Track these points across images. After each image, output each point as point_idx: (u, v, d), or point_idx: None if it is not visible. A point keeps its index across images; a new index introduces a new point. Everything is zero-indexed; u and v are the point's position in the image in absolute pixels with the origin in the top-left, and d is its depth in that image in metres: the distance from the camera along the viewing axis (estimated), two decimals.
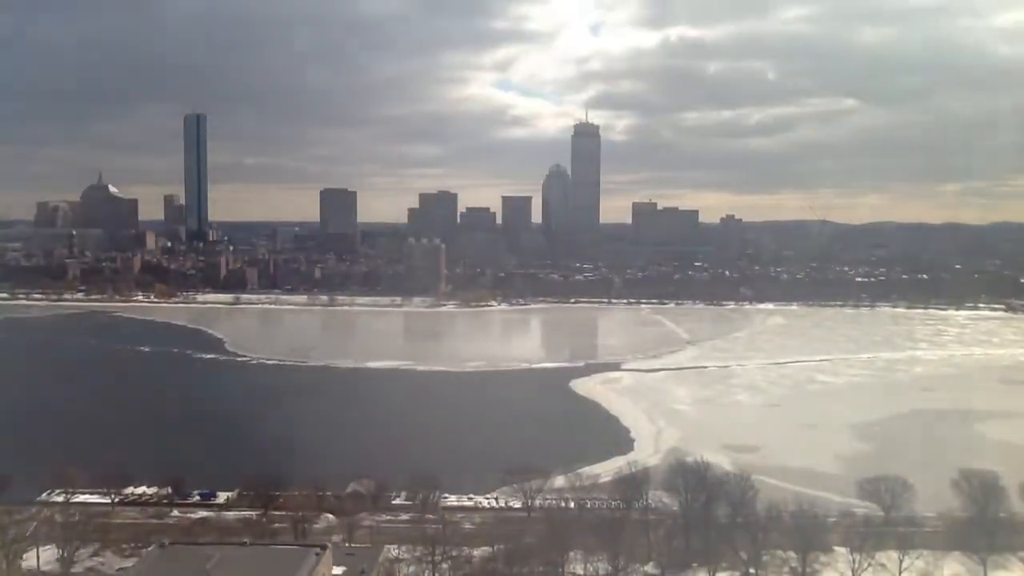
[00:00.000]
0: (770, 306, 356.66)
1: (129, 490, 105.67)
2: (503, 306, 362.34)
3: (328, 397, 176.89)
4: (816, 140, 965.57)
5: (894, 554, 79.11)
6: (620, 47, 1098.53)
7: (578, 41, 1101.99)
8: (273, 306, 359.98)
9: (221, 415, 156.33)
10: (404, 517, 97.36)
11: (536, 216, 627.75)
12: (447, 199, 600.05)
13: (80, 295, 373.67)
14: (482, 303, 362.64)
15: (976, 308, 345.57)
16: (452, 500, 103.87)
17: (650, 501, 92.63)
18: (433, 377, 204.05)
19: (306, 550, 70.01)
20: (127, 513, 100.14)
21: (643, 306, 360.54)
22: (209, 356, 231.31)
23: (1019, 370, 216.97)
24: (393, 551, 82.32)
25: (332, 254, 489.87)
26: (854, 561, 78.62)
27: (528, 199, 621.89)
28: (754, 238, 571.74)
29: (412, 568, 78.38)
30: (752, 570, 79.76)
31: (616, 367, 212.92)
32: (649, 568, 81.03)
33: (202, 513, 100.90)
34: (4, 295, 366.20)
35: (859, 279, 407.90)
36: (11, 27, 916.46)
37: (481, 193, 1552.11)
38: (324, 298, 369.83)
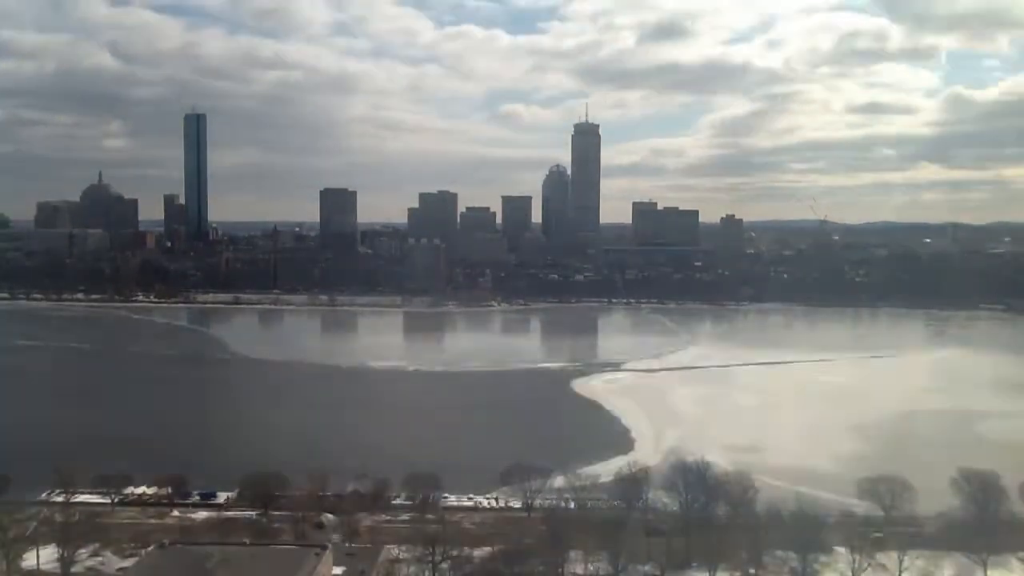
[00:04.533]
0: (770, 306, 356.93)
1: (129, 490, 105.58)
2: (503, 306, 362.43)
3: (329, 396, 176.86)
4: None
5: (894, 554, 79.11)
6: None
7: None
8: (273, 306, 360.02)
9: (221, 413, 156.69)
10: (404, 517, 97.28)
11: (536, 216, 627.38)
12: (447, 199, 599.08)
13: (80, 295, 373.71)
14: (482, 303, 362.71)
15: (976, 308, 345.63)
16: (452, 500, 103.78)
17: (650, 501, 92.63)
18: (433, 377, 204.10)
19: (306, 550, 70.23)
20: (127, 513, 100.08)
21: (643, 306, 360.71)
22: (212, 357, 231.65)
23: (1019, 370, 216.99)
24: (393, 551, 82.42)
25: (332, 254, 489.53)
26: (854, 561, 78.62)
27: (528, 199, 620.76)
28: (754, 238, 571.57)
29: (412, 568, 78.30)
30: (752, 570, 79.75)
31: (617, 367, 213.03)
32: (649, 568, 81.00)
33: (202, 513, 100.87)
34: (4, 295, 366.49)
35: (859, 279, 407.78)
36: None
37: (482, 193, 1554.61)
38: (324, 298, 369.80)
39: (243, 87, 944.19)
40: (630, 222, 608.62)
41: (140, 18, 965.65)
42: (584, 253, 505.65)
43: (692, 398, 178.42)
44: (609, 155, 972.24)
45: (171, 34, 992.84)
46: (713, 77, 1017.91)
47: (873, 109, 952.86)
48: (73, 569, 79.75)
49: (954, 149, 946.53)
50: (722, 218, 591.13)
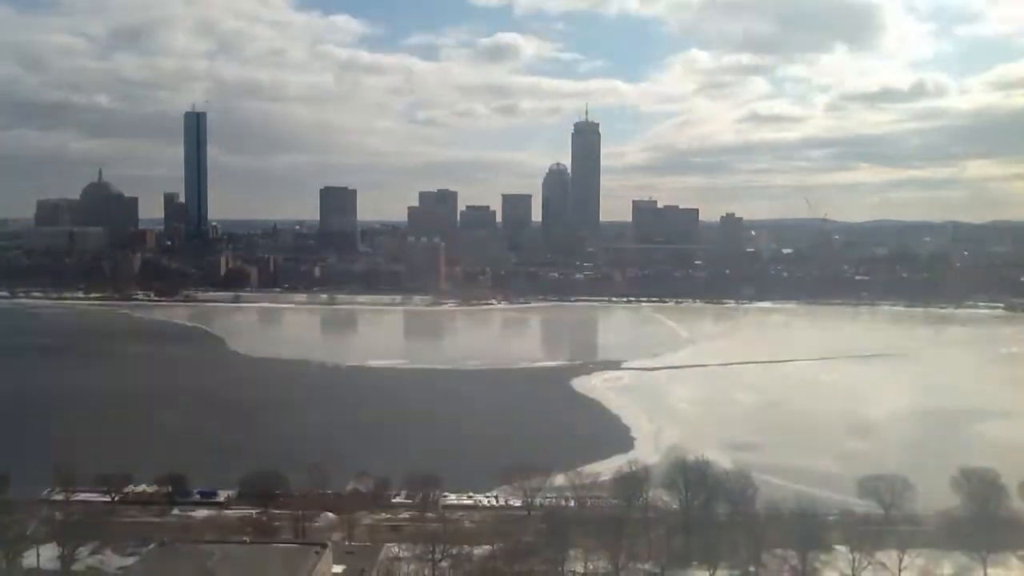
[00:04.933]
0: (770, 305, 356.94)
1: (129, 488, 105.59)
2: (503, 305, 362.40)
3: (329, 396, 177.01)
4: None
5: (894, 553, 79.13)
6: None
7: None
8: (273, 305, 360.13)
9: (221, 412, 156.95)
10: (404, 515, 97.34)
11: (536, 215, 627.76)
12: (447, 198, 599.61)
13: (80, 294, 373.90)
14: (482, 302, 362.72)
15: (976, 307, 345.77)
16: (452, 499, 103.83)
17: (650, 499, 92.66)
18: (433, 376, 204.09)
19: (306, 548, 70.22)
20: (127, 511, 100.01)
21: (643, 305, 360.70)
22: (209, 355, 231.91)
23: (1019, 369, 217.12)
24: (393, 550, 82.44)
25: (332, 253, 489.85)
26: (854, 560, 78.64)
27: (528, 197, 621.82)
28: (754, 237, 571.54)
29: (412, 567, 78.33)
30: (752, 569, 79.75)
31: (616, 366, 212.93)
32: (649, 567, 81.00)
33: (202, 511, 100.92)
34: (4, 294, 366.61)
35: (859, 278, 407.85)
36: None
37: (481, 192, 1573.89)
38: (324, 297, 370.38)
39: (180, 96, 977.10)
40: (630, 220, 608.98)
41: (52, 40, 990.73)
42: (584, 251, 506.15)
43: (692, 397, 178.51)
44: (534, 157, 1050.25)
45: (86, 52, 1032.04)
46: (594, 92, 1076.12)
47: (762, 118, 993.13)
48: (73, 568, 79.75)
49: (872, 150, 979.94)
50: (722, 216, 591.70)
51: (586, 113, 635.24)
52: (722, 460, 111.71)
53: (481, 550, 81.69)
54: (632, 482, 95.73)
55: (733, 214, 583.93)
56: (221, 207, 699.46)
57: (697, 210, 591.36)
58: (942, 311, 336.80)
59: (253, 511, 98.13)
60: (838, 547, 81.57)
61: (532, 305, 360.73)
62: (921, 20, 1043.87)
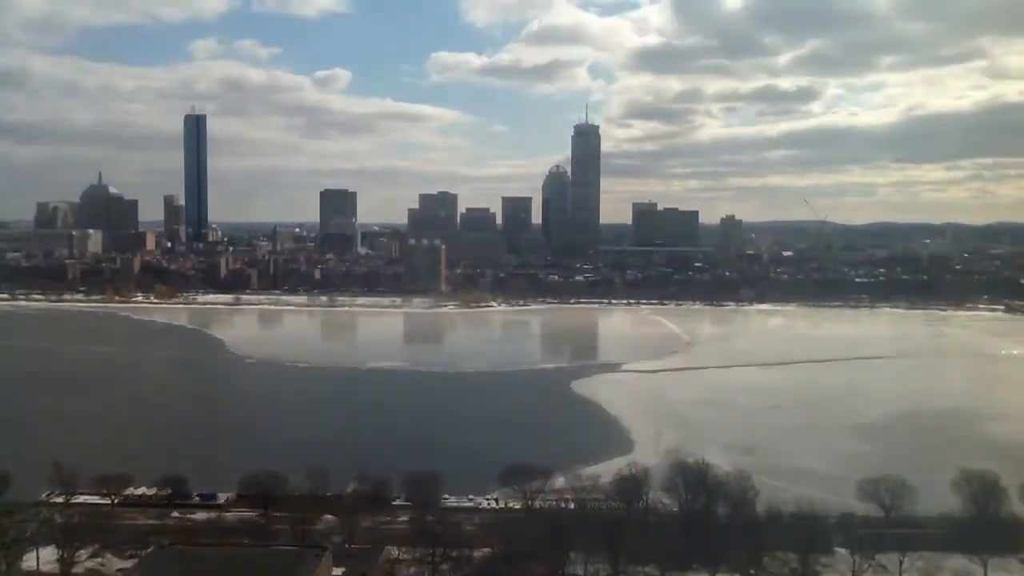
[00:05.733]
0: (770, 307, 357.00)
1: (129, 491, 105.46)
2: (503, 307, 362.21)
3: (327, 398, 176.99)
4: None
5: (895, 555, 79.09)
6: None
7: None
8: (273, 307, 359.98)
9: (223, 413, 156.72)
10: (404, 517, 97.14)
11: (536, 216, 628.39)
12: (447, 199, 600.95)
13: (80, 296, 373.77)
14: (482, 304, 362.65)
15: (976, 308, 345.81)
16: (452, 500, 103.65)
17: (650, 502, 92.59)
18: (433, 378, 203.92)
19: (306, 551, 70.18)
20: (127, 514, 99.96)
21: (643, 307, 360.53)
22: (209, 358, 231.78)
23: (1019, 370, 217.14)
24: (393, 552, 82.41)
25: (332, 254, 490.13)
26: (854, 562, 78.58)
27: (528, 199, 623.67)
28: (754, 238, 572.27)
29: (412, 569, 78.41)
30: (752, 571, 79.70)
31: (616, 368, 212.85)
32: (649, 569, 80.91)
33: (202, 514, 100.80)
34: (4, 295, 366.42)
35: (859, 279, 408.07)
36: None
37: (481, 193, 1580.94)
38: (324, 299, 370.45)
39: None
40: (630, 222, 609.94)
41: None
42: (584, 253, 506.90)
43: (692, 399, 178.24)
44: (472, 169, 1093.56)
45: None
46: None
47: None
48: (73, 570, 79.77)
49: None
50: (722, 219, 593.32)
51: (586, 115, 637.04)
52: (722, 462, 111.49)
53: (481, 552, 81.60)
54: (632, 484, 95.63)
55: (733, 216, 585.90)
56: (220, 210, 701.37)
57: (697, 212, 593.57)
58: (942, 313, 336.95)
59: (253, 513, 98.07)
60: (838, 549, 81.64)
61: (532, 307, 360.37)
62: None
